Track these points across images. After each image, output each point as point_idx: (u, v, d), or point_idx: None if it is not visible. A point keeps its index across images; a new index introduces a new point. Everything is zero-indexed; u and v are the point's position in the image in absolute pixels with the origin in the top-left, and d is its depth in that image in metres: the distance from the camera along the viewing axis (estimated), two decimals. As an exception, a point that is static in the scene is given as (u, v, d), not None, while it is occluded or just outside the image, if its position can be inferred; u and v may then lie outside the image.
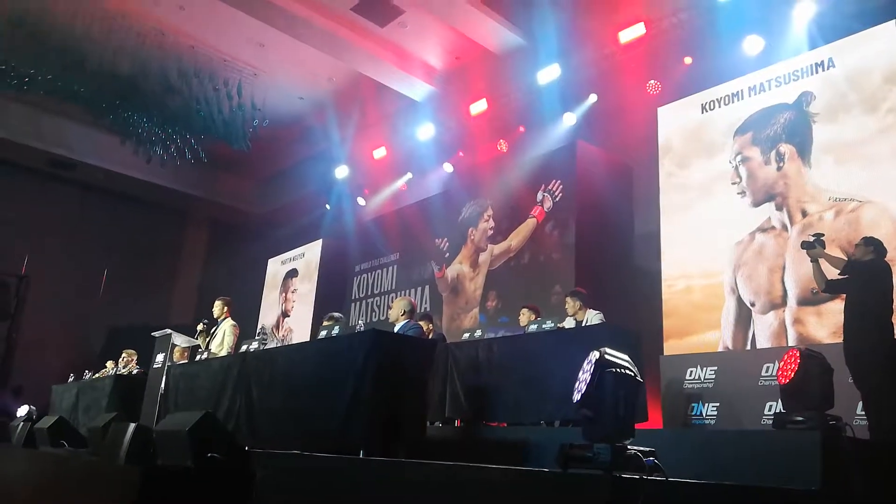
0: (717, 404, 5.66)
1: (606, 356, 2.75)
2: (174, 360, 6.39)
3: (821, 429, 3.50)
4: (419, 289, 10.37)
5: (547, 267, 8.28)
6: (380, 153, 11.29)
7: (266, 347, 5.94)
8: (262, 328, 12.55)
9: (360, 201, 12.21)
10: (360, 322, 10.79)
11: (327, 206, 12.61)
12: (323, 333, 5.06)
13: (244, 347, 5.76)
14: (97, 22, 9.36)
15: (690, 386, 5.91)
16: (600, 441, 2.52)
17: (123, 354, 8.41)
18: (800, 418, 3.67)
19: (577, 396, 2.75)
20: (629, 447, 2.50)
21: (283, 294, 12.76)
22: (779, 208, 6.19)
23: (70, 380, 8.85)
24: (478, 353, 5.57)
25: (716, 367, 5.86)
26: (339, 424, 4.11)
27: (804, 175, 6.08)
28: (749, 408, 5.36)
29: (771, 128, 6.41)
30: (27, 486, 5.71)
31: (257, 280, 13.44)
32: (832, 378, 3.81)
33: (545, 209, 8.54)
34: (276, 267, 13.28)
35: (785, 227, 6.10)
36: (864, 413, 4.35)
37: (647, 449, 2.51)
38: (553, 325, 5.40)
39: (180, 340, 6.32)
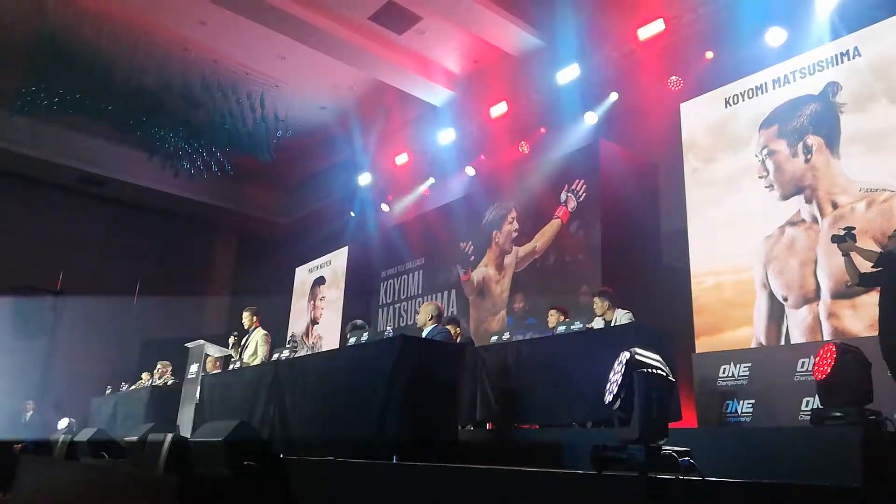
0: (752, 401, 5.57)
1: (637, 356, 2.74)
2: (207, 370, 6.50)
3: (861, 424, 3.43)
4: (445, 293, 10.40)
5: (573, 267, 8.25)
6: (402, 159, 11.36)
7: (297, 355, 6.02)
8: (293, 336, 12.68)
9: (384, 207, 12.29)
10: (388, 328, 10.82)
11: (352, 214, 12.72)
12: (352, 341, 5.11)
13: (276, 356, 5.84)
14: (122, 41, 9.58)
15: (724, 383, 5.83)
16: (634, 442, 2.51)
17: (158, 366, 8.57)
18: (838, 413, 3.60)
19: (608, 398, 2.75)
20: (664, 447, 2.49)
21: (312, 302, 12.88)
22: (808, 201, 6.09)
23: (108, 392, 9.04)
24: (506, 355, 5.57)
25: (749, 364, 5.77)
26: (372, 430, 4.14)
27: (833, 166, 5.97)
28: (785, 404, 5.27)
29: (797, 120, 6.31)
30: (70, 497, 5.85)
31: (286, 289, 13.60)
32: (870, 372, 3.73)
33: (569, 209, 8.51)
34: (303, 275, 13.42)
35: (815, 220, 6.00)
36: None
37: (682, 449, 2.49)
38: (582, 325, 5.38)
39: (213, 350, 6.43)
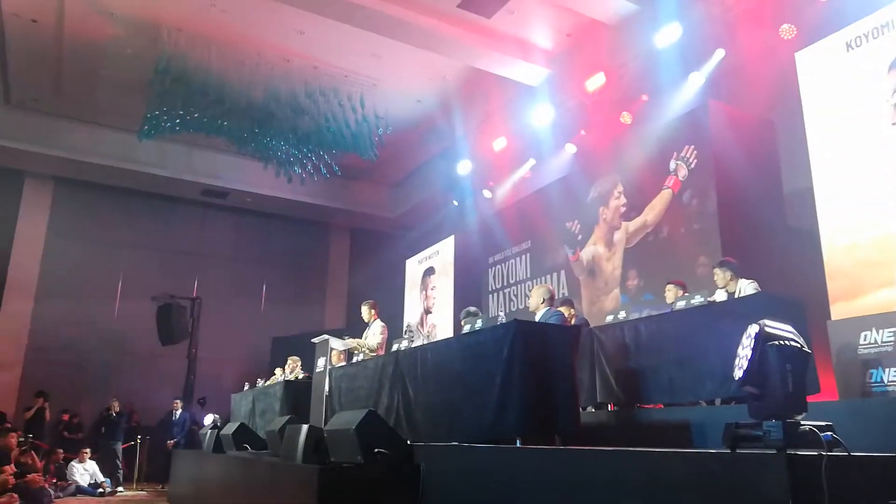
0: (901, 369, 5.12)
1: (767, 328, 2.61)
2: (333, 363, 6.84)
3: None
4: (554, 274, 10.30)
5: (689, 239, 7.90)
6: (500, 144, 11.33)
7: (414, 345, 6.20)
8: (408, 326, 13.04)
9: (486, 194, 12.33)
10: (500, 313, 10.92)
11: (455, 203, 12.86)
12: (466, 328, 5.19)
13: (395, 346, 6.04)
14: (229, 60, 10.18)
15: (866, 351, 5.38)
16: (769, 418, 2.40)
17: (289, 361, 9.09)
18: None
19: (738, 373, 2.63)
20: (802, 423, 2.36)
21: (424, 292, 13.18)
22: (954, 144, 5.48)
23: (245, 388, 9.69)
24: (624, 334, 5.45)
25: (894, 329, 5.30)
26: (492, 416, 4.20)
27: (983, 103, 5.33)
28: (940, 370, 4.81)
29: (934, 55, 5.68)
30: (220, 487, 6.38)
31: (398, 281, 14.01)
32: None
33: (680, 178, 8.15)
34: (413, 266, 13.75)
35: (965, 165, 5.40)
36: None
37: (824, 423, 2.35)
38: (703, 299, 5.16)
39: (337, 344, 6.75)
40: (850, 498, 2.22)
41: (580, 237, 9.77)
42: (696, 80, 8.36)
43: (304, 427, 4.64)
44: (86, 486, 9.71)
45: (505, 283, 11.55)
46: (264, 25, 9.71)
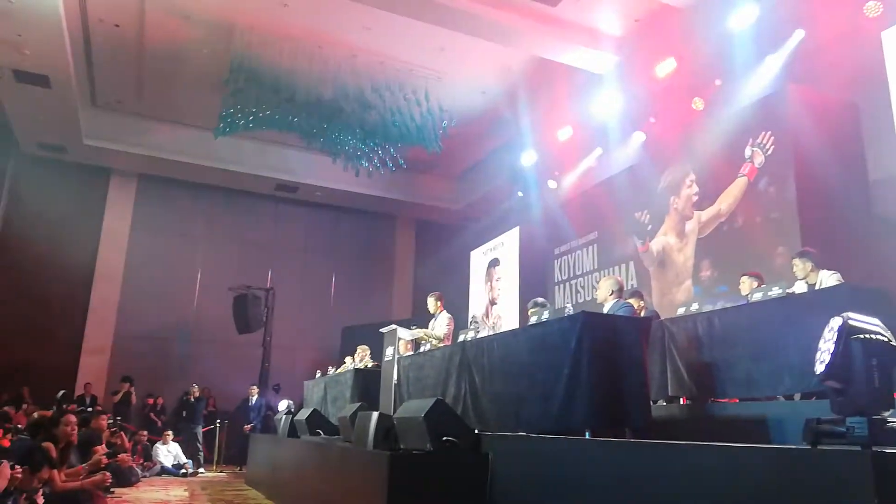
0: None
1: (851, 321, 2.50)
2: (400, 352, 6.97)
3: None
4: (622, 266, 10.12)
5: (765, 228, 7.61)
6: (565, 133, 11.19)
7: (480, 336, 6.24)
8: (474, 317, 13.12)
9: (551, 184, 12.22)
10: (567, 305, 10.80)
11: (519, 194, 12.81)
12: (533, 319, 5.19)
13: (461, 337, 6.10)
14: (299, 57, 10.46)
15: (962, 346, 5.07)
16: (853, 414, 2.31)
17: (358, 350, 9.31)
18: None
19: (820, 368, 2.54)
20: (889, 420, 2.26)
21: (489, 283, 13.21)
22: None
23: (317, 375, 9.99)
24: (697, 327, 5.31)
25: None
26: (559, 408, 4.18)
27: None
28: None
29: None
30: (294, 470, 6.62)
31: (463, 272, 14.10)
32: None
33: (756, 165, 7.85)
34: (478, 258, 13.80)
35: None
36: None
37: (913, 421, 2.24)
38: (781, 290, 4.97)
39: (404, 334, 6.87)
40: (942, 499, 2.11)
41: (650, 227, 9.56)
42: (774, 63, 8.00)
43: (375, 414, 4.76)
44: (170, 466, 10.25)
45: (571, 275, 11.44)
46: (333, 22, 9.92)
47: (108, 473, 5.29)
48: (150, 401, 12.33)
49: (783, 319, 4.55)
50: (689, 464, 2.80)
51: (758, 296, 5.14)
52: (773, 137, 7.64)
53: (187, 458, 10.66)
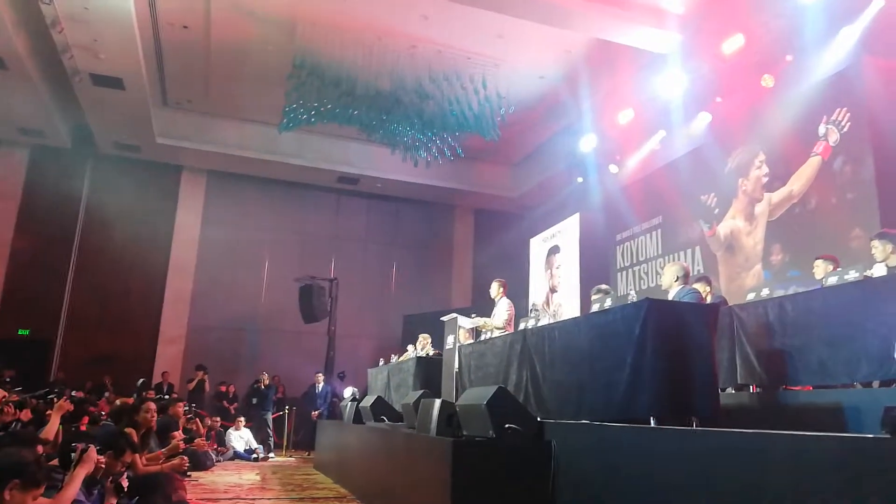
0: None
1: (935, 305, 2.38)
2: (461, 340, 7.02)
3: None
4: (688, 251, 9.85)
5: (841, 209, 7.26)
6: (626, 116, 10.94)
7: (541, 324, 6.21)
8: (534, 305, 13.05)
9: (612, 169, 11.98)
10: (630, 291, 10.62)
11: (579, 179, 12.61)
12: (595, 307, 5.12)
13: (522, 325, 6.09)
14: (359, 50, 10.60)
15: None
16: (938, 403, 2.20)
17: (420, 338, 9.42)
18: None
19: (900, 354, 2.43)
20: (978, 409, 2.14)
21: (549, 271, 13.10)
22: None
23: (380, 363, 10.17)
24: (767, 313, 5.12)
25: None
26: (623, 396, 4.12)
27: None
28: None
29: None
30: (360, 455, 6.78)
31: (522, 260, 14.04)
32: None
33: (831, 144, 7.48)
34: (538, 245, 13.70)
35: None
36: None
37: None
38: (858, 274, 4.73)
39: (465, 322, 6.91)
40: None
41: (717, 211, 9.26)
42: (849, 36, 7.57)
43: (438, 401, 4.82)
44: (242, 451, 10.66)
45: (634, 261, 11.22)
46: (391, 13, 10.00)
47: (185, 458, 5.54)
48: (223, 388, 12.84)
49: (861, 304, 4.33)
50: (759, 453, 2.72)
51: (833, 280, 4.91)
52: (848, 114, 7.26)
53: (258, 443, 11.04)
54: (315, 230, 15.33)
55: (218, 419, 11.42)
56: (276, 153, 13.89)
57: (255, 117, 13.52)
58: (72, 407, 5.80)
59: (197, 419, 9.82)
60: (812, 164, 7.70)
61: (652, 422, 3.80)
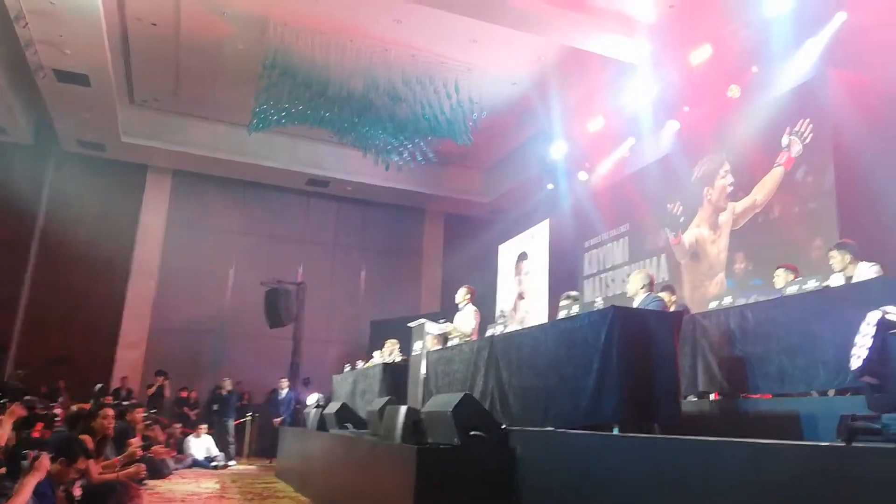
0: None
1: (889, 316, 2.43)
2: (429, 346, 6.98)
3: None
4: (654, 259, 9.97)
5: (803, 219, 7.40)
6: (596, 124, 11.04)
7: (508, 330, 6.21)
8: (502, 312, 13.09)
9: (582, 176, 12.07)
10: (597, 298, 10.71)
11: (549, 186, 12.68)
12: (562, 313, 5.15)
13: (489, 331, 6.08)
14: (331, 52, 10.52)
15: None
16: (890, 411, 2.23)
17: (387, 344, 9.35)
18: None
19: (856, 363, 2.47)
20: (929, 418, 2.17)
21: (517, 277, 13.15)
22: None
23: (346, 369, 10.08)
24: (729, 321, 5.18)
25: None
26: (588, 402, 4.13)
27: None
28: None
29: None
30: (323, 463, 6.69)
31: (492, 266, 14.06)
32: None
33: (793, 154, 7.64)
34: (507, 252, 13.74)
35: None
36: None
37: (954, 419, 2.15)
38: (817, 283, 4.83)
39: (433, 328, 6.87)
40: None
41: (682, 219, 9.38)
42: (813, 48, 7.73)
43: (403, 408, 4.78)
44: (201, 459, 10.43)
45: (601, 268, 11.31)
46: (364, 15, 9.96)
47: (142, 465, 5.40)
48: (184, 394, 12.58)
49: (819, 313, 4.41)
50: (719, 460, 2.75)
51: (793, 289, 5.00)
52: (811, 125, 7.42)
53: (219, 450, 10.82)
54: (283, 233, 15.16)
55: (178, 426, 11.18)
56: (245, 154, 13.72)
57: (223, 117, 13.33)
58: (25, 412, 5.61)
59: (156, 426, 9.59)
60: (775, 175, 7.85)
61: (615, 429, 3.81)
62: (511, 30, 9.82)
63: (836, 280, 5.07)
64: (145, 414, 9.06)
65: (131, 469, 5.23)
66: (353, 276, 15.58)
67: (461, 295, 7.08)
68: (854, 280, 4.90)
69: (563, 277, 11.54)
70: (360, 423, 6.85)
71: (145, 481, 6.51)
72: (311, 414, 8.00)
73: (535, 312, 12.02)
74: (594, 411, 4.07)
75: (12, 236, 13.02)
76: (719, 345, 5.16)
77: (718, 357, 5.15)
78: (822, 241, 6.74)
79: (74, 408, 6.60)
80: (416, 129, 11.46)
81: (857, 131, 6.93)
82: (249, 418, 12.06)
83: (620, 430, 3.82)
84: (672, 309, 5.88)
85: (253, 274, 13.61)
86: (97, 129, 12.60)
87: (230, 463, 10.86)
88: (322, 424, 7.39)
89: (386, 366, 7.83)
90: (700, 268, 8.96)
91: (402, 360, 8.22)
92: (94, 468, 4.79)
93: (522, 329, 5.50)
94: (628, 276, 5.94)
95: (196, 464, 10.28)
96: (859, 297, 4.15)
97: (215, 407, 11.81)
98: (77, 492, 3.94)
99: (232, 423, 11.60)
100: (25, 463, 3.37)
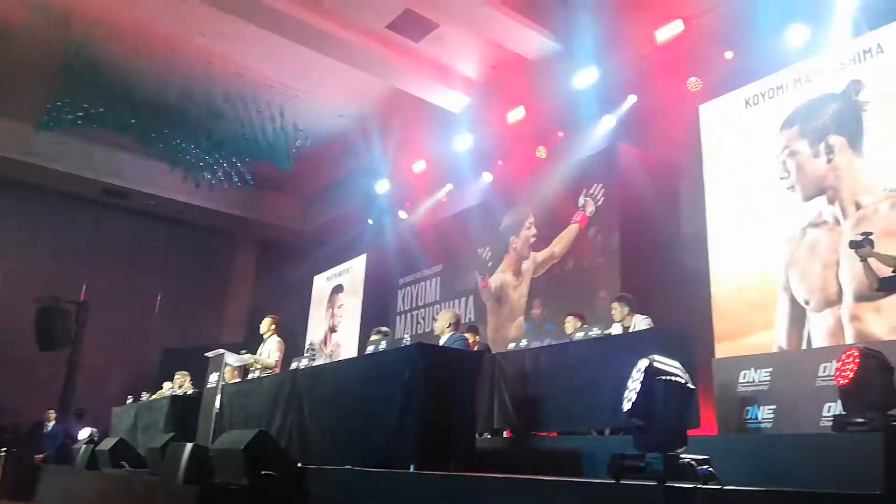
0: (774, 407, 5.46)
1: (655, 364, 2.71)
2: (227, 379, 6.54)
3: (883, 430, 3.35)
4: (463, 299, 10.38)
5: (591, 272, 8.19)
6: (419, 166, 11.38)
7: (315, 364, 6.03)
8: (311, 344, 12.74)
9: (402, 215, 12.31)
10: (405, 335, 10.84)
11: (369, 221, 12.75)
12: (370, 349, 5.12)
13: (294, 364, 5.86)
14: (146, 56, 9.75)
15: (744, 389, 5.72)
16: (652, 450, 2.48)
17: (177, 376, 8.64)
18: (860, 419, 3.52)
19: (626, 405, 2.71)
20: (682, 456, 2.45)
21: (330, 310, 12.94)
22: (830, 202, 5.98)
23: (129, 401, 9.13)
24: (524, 362, 5.53)
25: (770, 369, 5.67)
26: (390, 439, 4.13)
27: (856, 166, 5.85)
28: (806, 410, 5.16)
29: (819, 119, 6.20)
30: (93, 505, 5.92)
31: (305, 297, 13.68)
32: (893, 377, 3.64)
33: (587, 214, 8.46)
34: (322, 283, 13.49)
35: (837, 222, 5.88)
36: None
37: (701, 457, 2.45)
38: (600, 331, 5.33)
39: (232, 360, 6.46)
40: (721, 529, 2.31)
41: (490, 264, 9.91)
42: (609, 122, 8.73)
43: (189, 445, 4.40)
44: (-64, 501, 8.75)
45: (414, 305, 11.53)
46: (187, 25, 9.38)
47: None
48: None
49: (600, 358, 4.87)
50: (505, 496, 2.86)
51: (580, 335, 5.47)
52: (603, 190, 8.29)
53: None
54: (68, 245, 13.42)
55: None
56: (31, 154, 12.05)
57: (8, 111, 11.65)
58: None
59: None
60: (571, 230, 8.64)
61: (411, 467, 3.83)
62: (342, 64, 9.86)
63: (615, 329, 5.64)
64: None
65: None
66: (149, 299, 14.19)
67: (265, 325, 6.76)
68: (631, 330, 5.48)
69: (377, 312, 11.57)
70: (139, 462, 6.20)
71: None
72: (82, 450, 7.08)
73: (346, 346, 11.87)
74: (393, 449, 4.07)
75: None
76: (514, 384, 5.46)
77: (513, 396, 5.44)
78: (607, 293, 7.49)
79: None
80: (234, 148, 10.98)
81: (640, 199, 7.90)
82: (4, 454, 10.35)
83: (417, 468, 3.84)
84: (475, 349, 6.13)
85: (27, 289, 11.84)
86: None
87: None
88: (93, 462, 6.57)
89: (174, 398, 7.23)
90: (503, 311, 9.49)
91: (195, 392, 7.63)
92: None
93: (328, 363, 5.39)
94: (437, 314, 6.10)
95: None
96: (634, 346, 4.65)
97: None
98: None
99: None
100: None
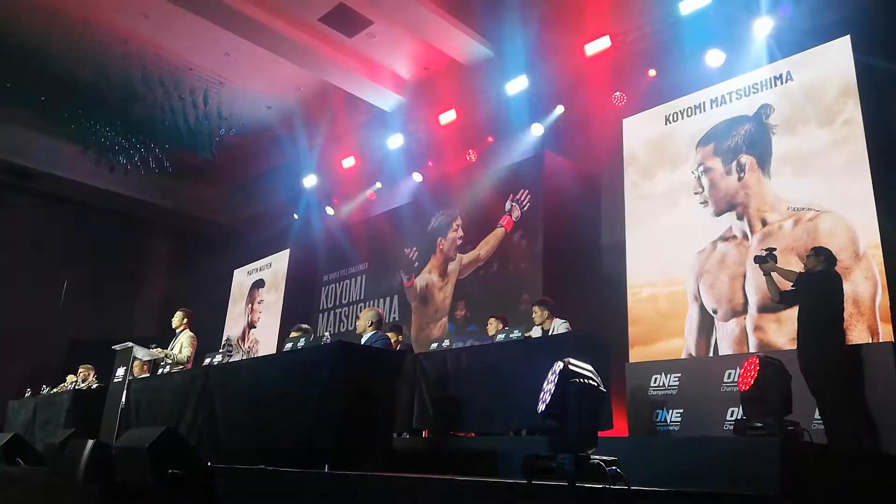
0: (681, 411, 5.73)
1: (570, 366, 2.77)
2: (135, 374, 6.24)
3: (779, 434, 3.57)
4: (388, 298, 10.33)
5: (515, 276, 8.33)
6: (349, 162, 11.25)
7: (231, 360, 5.85)
8: (228, 340, 12.36)
9: (329, 211, 12.13)
10: (326, 333, 10.68)
11: (295, 216, 12.48)
12: (289, 346, 5.00)
13: (207, 360, 5.66)
14: (59, 30, 9.17)
15: (655, 393, 5.98)
16: (564, 451, 2.53)
17: (80, 369, 8.19)
18: (759, 424, 3.74)
19: (541, 407, 2.77)
20: (592, 457, 2.52)
21: (250, 305, 12.60)
22: (740, 218, 6.34)
23: (27, 395, 8.59)
24: (446, 363, 5.55)
25: (679, 374, 5.94)
26: (305, 438, 4.05)
27: (764, 185, 6.23)
28: (712, 414, 5.44)
29: (732, 139, 6.57)
30: (-20, 506, 5.51)
31: (224, 291, 13.24)
32: (790, 384, 3.89)
33: (513, 219, 8.60)
34: (242, 277, 13.11)
35: (746, 236, 6.24)
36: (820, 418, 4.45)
37: (610, 458, 2.53)
38: (520, 334, 5.42)
39: (142, 353, 6.17)
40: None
41: (416, 264, 9.92)
42: (537, 130, 8.91)
43: (90, 442, 4.16)
44: None
45: (337, 303, 11.38)
46: (104, 1, 8.88)
47: None
48: None
49: (519, 360, 4.95)
50: (421, 496, 2.86)
51: (501, 337, 5.54)
52: (529, 196, 8.46)
53: None
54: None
55: None
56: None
57: None
58: None
59: None
60: (497, 234, 8.76)
61: (326, 467, 3.77)
62: (271, 54, 9.62)
63: (536, 332, 5.76)
64: None
65: None
66: (54, 288, 13.34)
67: (178, 319, 6.50)
68: (550, 333, 5.61)
69: (299, 309, 11.34)
70: (35, 459, 5.83)
71: None
72: (-30, 448, 6.57)
73: (264, 343, 11.58)
74: (309, 447, 3.99)
75: None
76: (436, 385, 5.48)
77: (433, 396, 5.45)
78: (529, 296, 7.64)
79: None
80: (152, 133, 10.51)
81: (563, 206, 8.13)
82: None
83: (332, 467, 3.78)
84: (398, 348, 6.11)
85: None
86: None
87: None
88: (-17, 460, 6.11)
89: (77, 392, 6.85)
90: (427, 311, 9.51)
91: (99, 387, 7.24)
92: None
93: (243, 360, 5.23)
94: (360, 312, 6.05)
95: None
96: (552, 349, 4.76)
97: None
98: None
99: None
100: None
